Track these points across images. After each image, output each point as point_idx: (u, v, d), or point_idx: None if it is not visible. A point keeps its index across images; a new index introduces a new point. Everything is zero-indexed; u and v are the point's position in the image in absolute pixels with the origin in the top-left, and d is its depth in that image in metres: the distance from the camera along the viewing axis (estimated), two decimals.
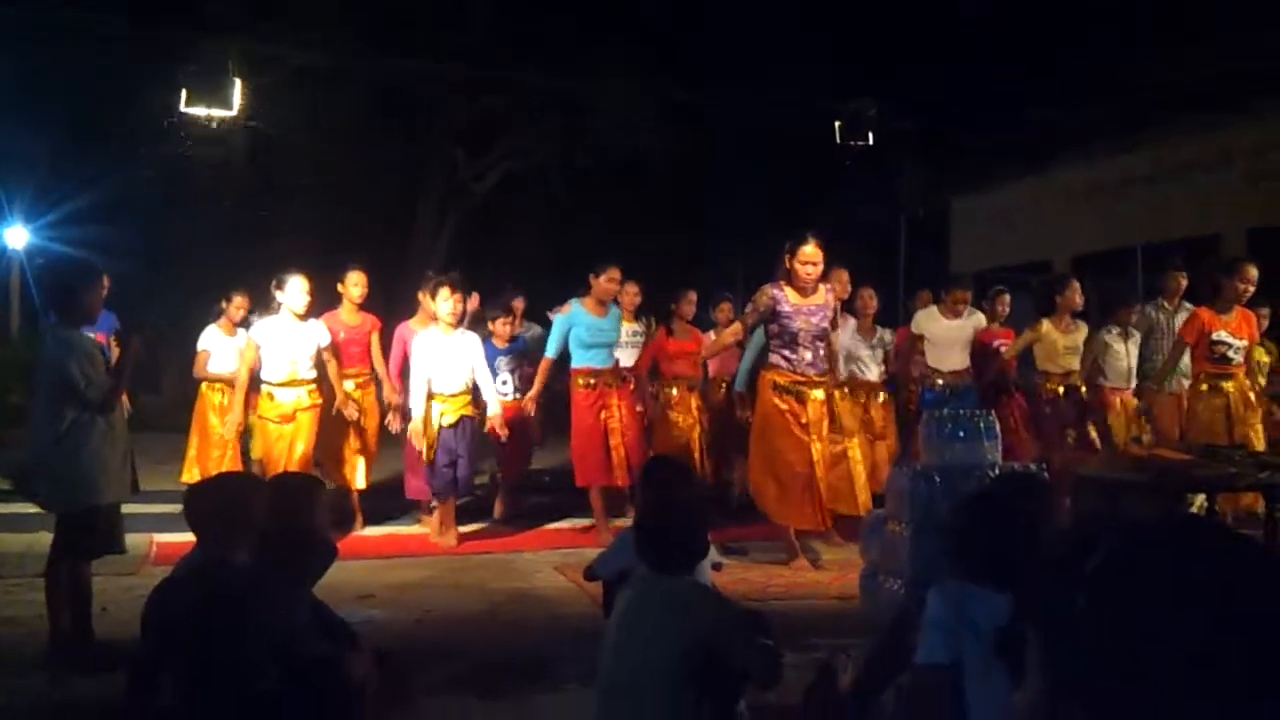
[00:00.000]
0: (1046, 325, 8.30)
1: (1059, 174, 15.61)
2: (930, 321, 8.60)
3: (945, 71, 16.26)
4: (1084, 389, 8.27)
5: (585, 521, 8.17)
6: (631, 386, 8.16)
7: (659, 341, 8.62)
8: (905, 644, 2.80)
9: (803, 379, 6.85)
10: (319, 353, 7.72)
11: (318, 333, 7.73)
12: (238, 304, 8.60)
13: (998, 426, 5.50)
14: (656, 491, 4.22)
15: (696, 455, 8.61)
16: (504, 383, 8.61)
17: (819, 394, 6.91)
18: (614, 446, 7.76)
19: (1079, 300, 8.36)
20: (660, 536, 3.34)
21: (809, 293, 6.89)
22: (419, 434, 7.48)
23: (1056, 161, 15.50)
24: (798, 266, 6.80)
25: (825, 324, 6.93)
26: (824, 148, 13.14)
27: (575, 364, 7.87)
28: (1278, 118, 12.30)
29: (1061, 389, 8.27)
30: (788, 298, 6.85)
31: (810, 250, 6.80)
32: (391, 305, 9.92)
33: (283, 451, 7.45)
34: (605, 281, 7.85)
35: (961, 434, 5.43)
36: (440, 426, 7.53)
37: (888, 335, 8.82)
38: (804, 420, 6.82)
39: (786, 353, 6.85)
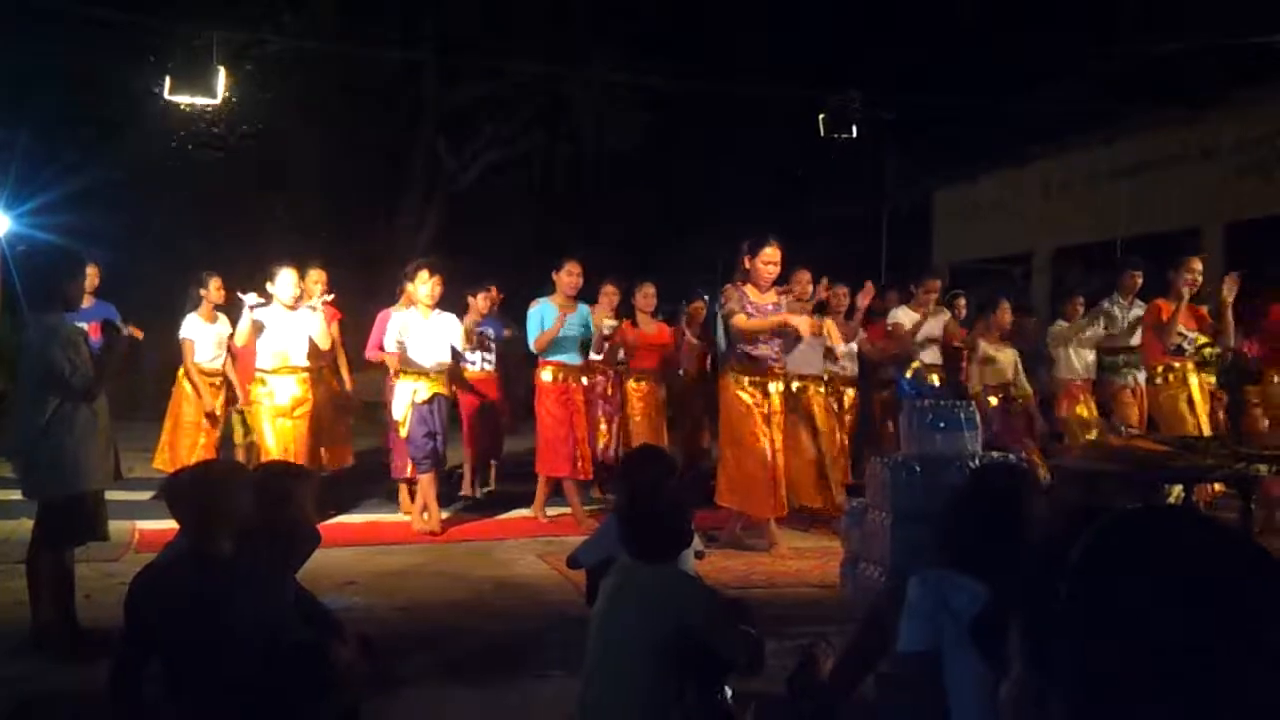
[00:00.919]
0: (981, 340, 8.66)
1: (1040, 166, 15.68)
2: (905, 316, 8.78)
3: (927, 62, 16.29)
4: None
5: (568, 510, 8.19)
6: (599, 380, 8.48)
7: (621, 332, 8.68)
8: (886, 631, 2.81)
9: (763, 373, 6.99)
10: (316, 340, 7.77)
11: (309, 322, 7.73)
12: (215, 285, 8.53)
13: (978, 417, 5.53)
14: (639, 480, 4.22)
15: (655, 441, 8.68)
16: (472, 351, 8.77)
17: (779, 385, 7.08)
18: (579, 440, 7.93)
19: (1008, 319, 8.72)
20: (643, 525, 3.35)
21: (765, 291, 7.04)
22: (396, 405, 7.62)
23: (1037, 153, 15.56)
24: (760, 266, 6.94)
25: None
26: (807, 139, 13.16)
27: (543, 357, 8.01)
28: (1259, 110, 12.37)
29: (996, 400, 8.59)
30: (748, 296, 6.99)
31: (772, 251, 6.95)
32: (373, 296, 9.91)
33: (280, 444, 7.44)
34: (566, 276, 7.99)
35: (942, 424, 5.46)
36: (414, 403, 7.63)
37: (861, 333, 8.92)
38: (765, 411, 6.97)
39: (748, 349, 6.98)
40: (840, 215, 19.17)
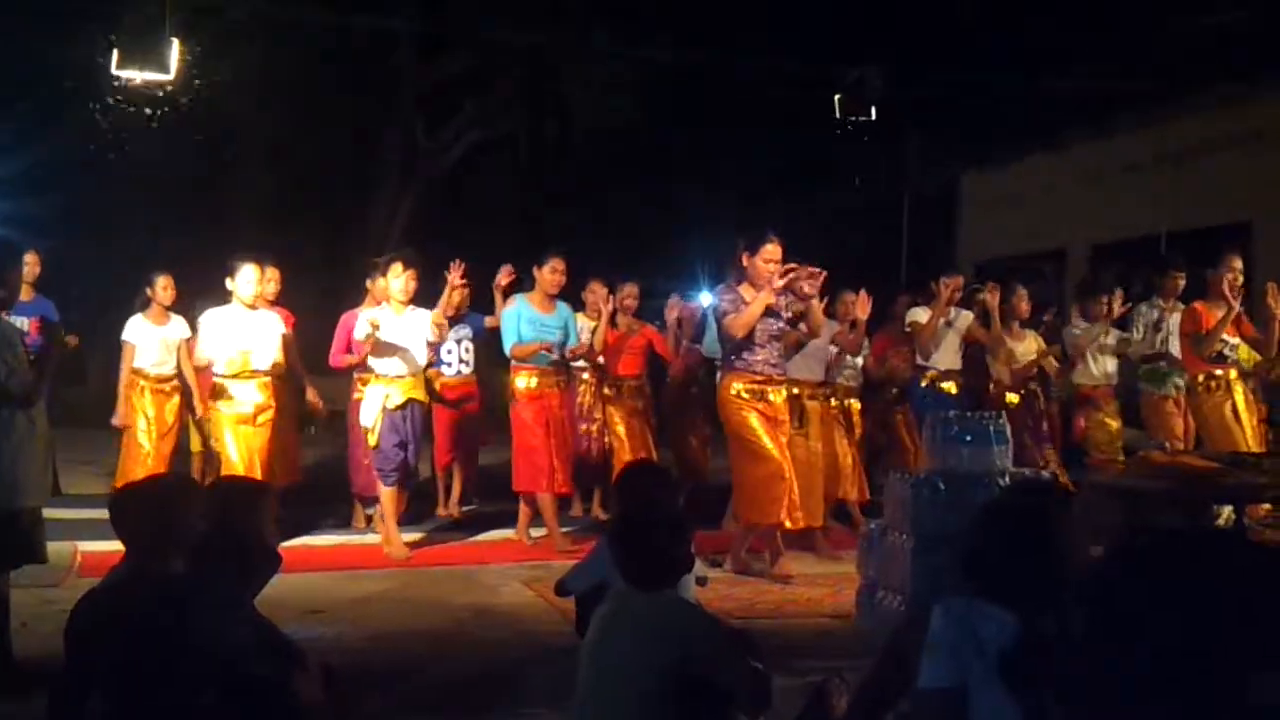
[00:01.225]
0: (1004, 334, 8.77)
1: (1077, 151, 15.66)
2: (924, 317, 8.74)
3: (954, 33, 16.31)
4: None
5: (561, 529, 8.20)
6: (585, 391, 8.67)
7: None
8: (906, 666, 2.82)
9: (763, 378, 7.04)
10: (281, 344, 7.79)
11: (272, 323, 7.75)
12: (162, 285, 8.55)
13: (1008, 430, 5.54)
14: (634, 498, 4.23)
15: (641, 453, 8.79)
16: (448, 352, 8.78)
17: (781, 392, 7.13)
18: (556, 451, 7.97)
19: (1025, 308, 8.82)
20: (639, 548, 3.36)
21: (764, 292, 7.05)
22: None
23: (1075, 136, 15.54)
24: (759, 265, 6.98)
25: (783, 323, 7.13)
26: (819, 119, 13.17)
27: (517, 361, 8.04)
28: None
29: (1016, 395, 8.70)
30: (744, 298, 7.03)
31: (772, 248, 6.98)
32: (344, 290, 9.93)
33: (244, 454, 7.45)
34: (548, 273, 8.04)
35: (969, 438, 5.48)
36: (386, 409, 7.66)
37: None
38: (771, 415, 7.03)
39: (745, 355, 7.02)
40: (854, 205, 19.20)
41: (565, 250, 8.22)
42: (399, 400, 7.70)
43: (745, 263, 7.03)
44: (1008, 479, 5.25)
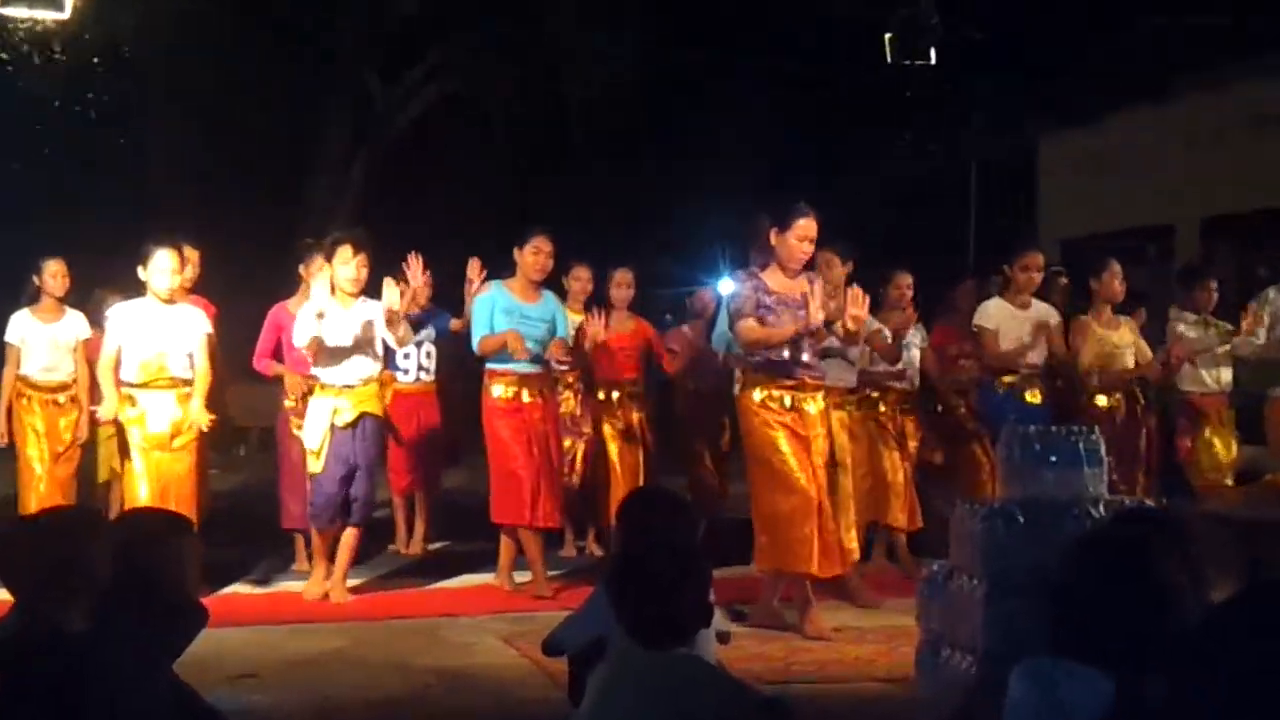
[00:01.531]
0: (1090, 322, 8.79)
1: (1187, 105, 15.62)
2: (999, 312, 8.74)
3: None
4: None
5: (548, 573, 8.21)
6: (570, 398, 8.68)
7: (582, 330, 8.64)
8: None
9: (793, 383, 7.05)
10: (205, 345, 7.80)
11: (192, 320, 7.77)
12: (52, 272, 8.56)
13: (1104, 449, 5.53)
14: (638, 533, 4.23)
15: (634, 479, 8.82)
16: (405, 356, 8.87)
17: (818, 401, 7.15)
18: (542, 475, 7.95)
19: (1119, 288, 8.78)
20: (644, 595, 3.35)
21: (794, 277, 7.12)
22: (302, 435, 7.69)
23: (1184, 87, 15.51)
24: (792, 244, 7.02)
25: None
26: (865, 67, 13.17)
27: (492, 364, 8.05)
28: None
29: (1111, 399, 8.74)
30: (769, 285, 7.06)
31: (806, 224, 7.03)
32: (278, 275, 9.94)
33: (155, 485, 7.45)
34: (530, 254, 8.04)
35: (1054, 458, 5.45)
36: (333, 427, 7.64)
37: (921, 331, 9.00)
38: (803, 433, 7.03)
39: (771, 355, 7.05)
40: (910, 175, 19.22)
41: (552, 228, 8.21)
42: (349, 416, 7.67)
43: (774, 241, 7.05)
44: (1103, 508, 5.23)
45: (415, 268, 8.01)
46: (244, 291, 9.28)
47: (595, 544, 9.40)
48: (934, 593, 5.72)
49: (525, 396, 8.01)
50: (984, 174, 18.44)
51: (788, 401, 7.03)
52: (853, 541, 7.97)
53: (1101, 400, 8.74)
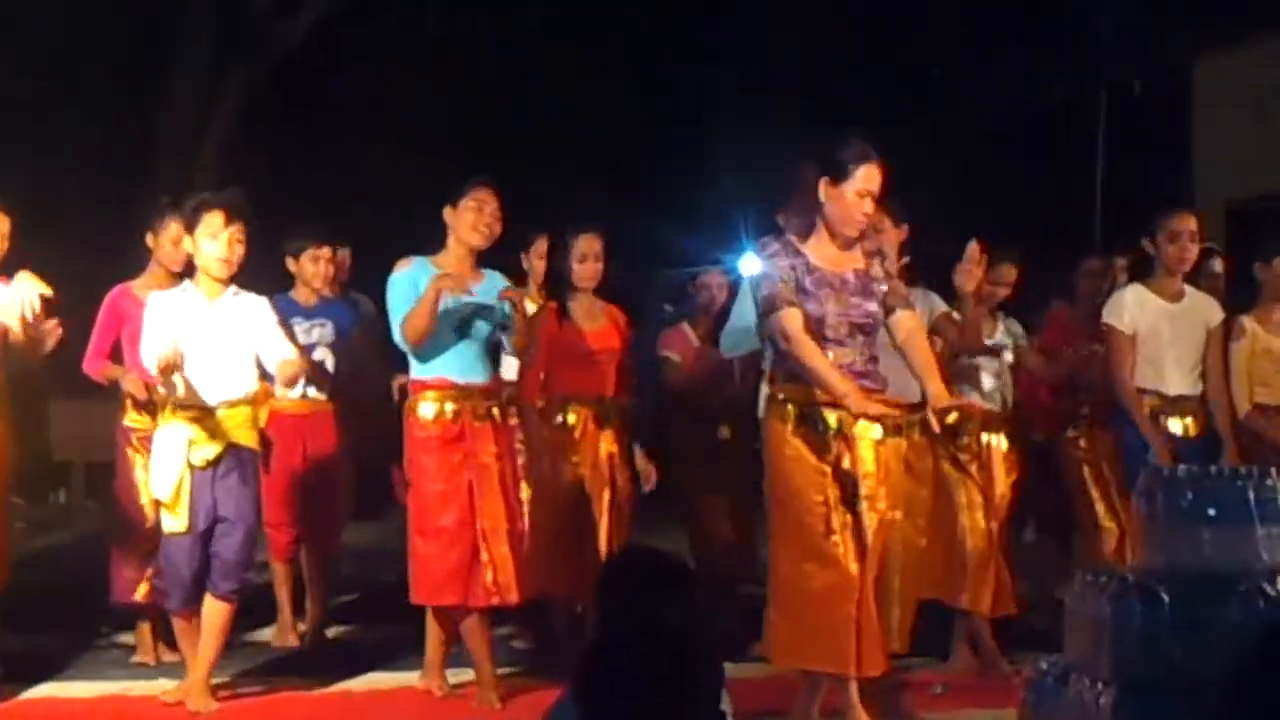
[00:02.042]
0: (1251, 326, 8.78)
1: None
2: (1135, 300, 8.70)
3: None
4: None
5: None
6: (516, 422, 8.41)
7: (545, 329, 8.65)
8: None
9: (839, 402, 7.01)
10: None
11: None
12: None
13: None
14: (620, 613, 4.20)
15: (604, 537, 8.72)
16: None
17: (872, 428, 7.11)
18: (486, 533, 7.85)
19: None
20: (624, 701, 3.33)
21: (848, 247, 7.15)
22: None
23: None
24: (850, 200, 7.02)
25: (874, 305, 7.15)
26: None
27: (418, 373, 7.99)
28: None
29: None
30: (812, 261, 7.07)
31: (871, 171, 7.02)
32: (118, 249, 9.95)
33: None
34: (469, 212, 7.94)
35: (1213, 511, 5.45)
36: (190, 466, 7.62)
37: (1016, 328, 9.03)
38: (843, 471, 7.02)
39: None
40: (1014, 108, 19.25)
41: (498, 181, 8.11)
42: (212, 451, 7.66)
43: (824, 195, 7.04)
44: None
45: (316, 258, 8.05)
46: (72, 271, 9.24)
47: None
48: (1042, 699, 5.72)
49: (462, 416, 7.93)
50: (1118, 108, 18.43)
51: (833, 424, 7.00)
52: (896, 624, 7.97)
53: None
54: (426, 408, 7.93)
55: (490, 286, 7.98)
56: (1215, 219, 13.09)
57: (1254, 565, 5.34)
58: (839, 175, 6.99)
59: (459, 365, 7.93)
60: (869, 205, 7.02)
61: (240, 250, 7.73)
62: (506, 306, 7.88)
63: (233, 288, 7.79)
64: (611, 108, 20.55)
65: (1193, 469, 5.82)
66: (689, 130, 20.16)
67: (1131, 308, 8.63)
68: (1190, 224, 8.66)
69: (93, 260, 9.73)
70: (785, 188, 7.37)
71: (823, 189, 7.03)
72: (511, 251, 8.73)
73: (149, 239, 8.66)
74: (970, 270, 8.23)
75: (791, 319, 6.88)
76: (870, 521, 7.01)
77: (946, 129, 19.45)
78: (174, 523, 7.62)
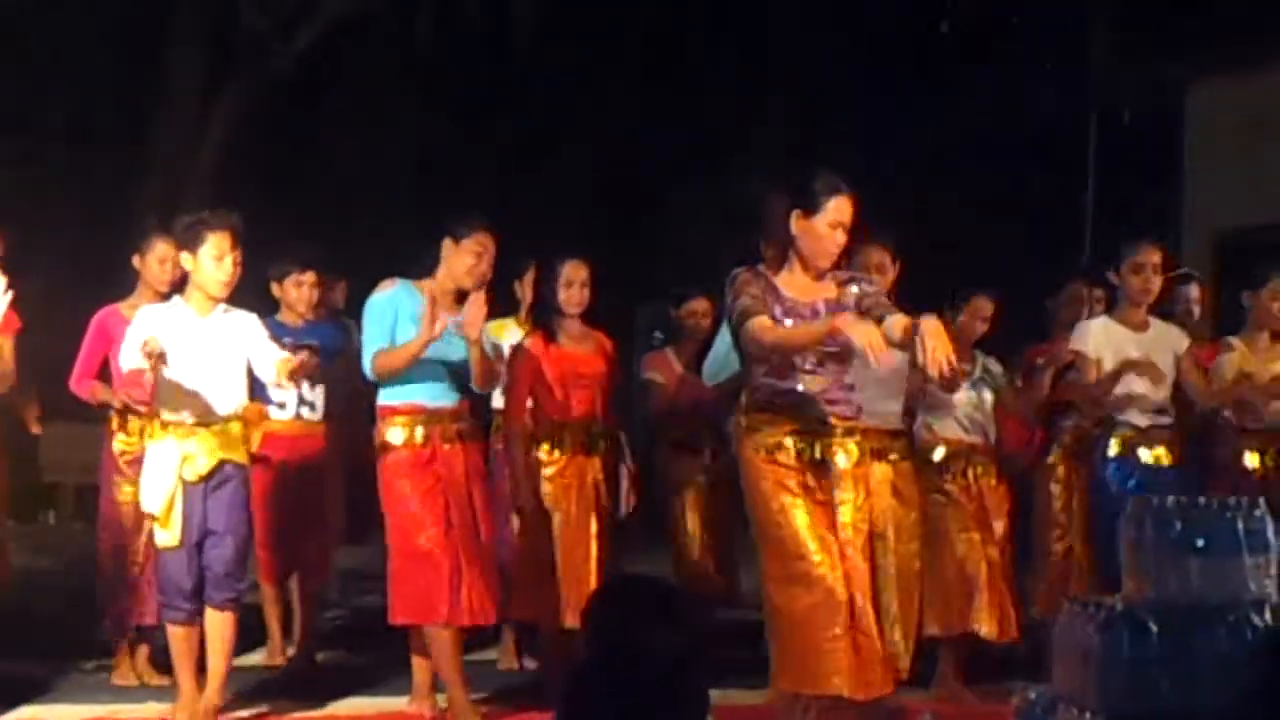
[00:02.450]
0: (1238, 345, 8.88)
1: None
2: (1100, 334, 8.79)
3: None
4: None
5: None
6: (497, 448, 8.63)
7: (530, 353, 8.69)
8: None
9: (817, 428, 7.07)
10: None
11: None
12: None
13: (1272, 527, 5.52)
14: (611, 639, 4.18)
15: (591, 563, 8.72)
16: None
17: (851, 450, 7.28)
18: (461, 554, 7.88)
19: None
20: None
21: (810, 279, 7.15)
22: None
23: None
24: (821, 230, 7.04)
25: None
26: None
27: (386, 398, 8.03)
28: None
29: (1258, 456, 8.83)
30: (784, 290, 7.09)
31: (842, 204, 7.03)
32: (108, 268, 9.95)
33: None
34: (469, 255, 7.99)
35: (1202, 542, 5.45)
36: (183, 481, 7.64)
37: (994, 367, 9.07)
38: (821, 498, 7.05)
39: (783, 385, 7.07)
40: (1004, 131, 19.25)
41: (488, 221, 8.13)
42: (204, 466, 7.67)
43: (796, 229, 7.05)
44: (1271, 615, 5.22)
45: (300, 283, 8.06)
46: (61, 291, 9.25)
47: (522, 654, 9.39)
48: None
49: (434, 440, 7.97)
50: (1108, 135, 18.44)
51: (807, 453, 7.03)
52: (900, 647, 7.99)
53: (1251, 460, 8.81)
54: (397, 431, 7.98)
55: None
56: (1205, 247, 13.13)
57: (1242, 596, 5.32)
58: (811, 207, 7.01)
59: (429, 389, 7.99)
60: (841, 236, 7.04)
61: (238, 273, 7.83)
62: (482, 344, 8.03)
63: (222, 305, 7.83)
64: (603, 128, 20.53)
65: (1181, 500, 5.81)
66: (684, 152, 20.17)
67: (1097, 336, 8.73)
68: (1154, 256, 8.78)
69: (81, 281, 9.72)
70: (762, 220, 7.38)
71: (794, 221, 7.04)
72: (503, 280, 8.72)
73: (136, 260, 8.71)
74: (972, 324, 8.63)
75: (762, 324, 6.86)
76: (849, 538, 7.07)
77: (937, 154, 19.44)
78: (167, 536, 7.66)
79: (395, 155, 19.84)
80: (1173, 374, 8.78)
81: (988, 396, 8.90)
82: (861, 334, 6.61)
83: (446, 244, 8.02)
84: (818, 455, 7.03)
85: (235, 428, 7.81)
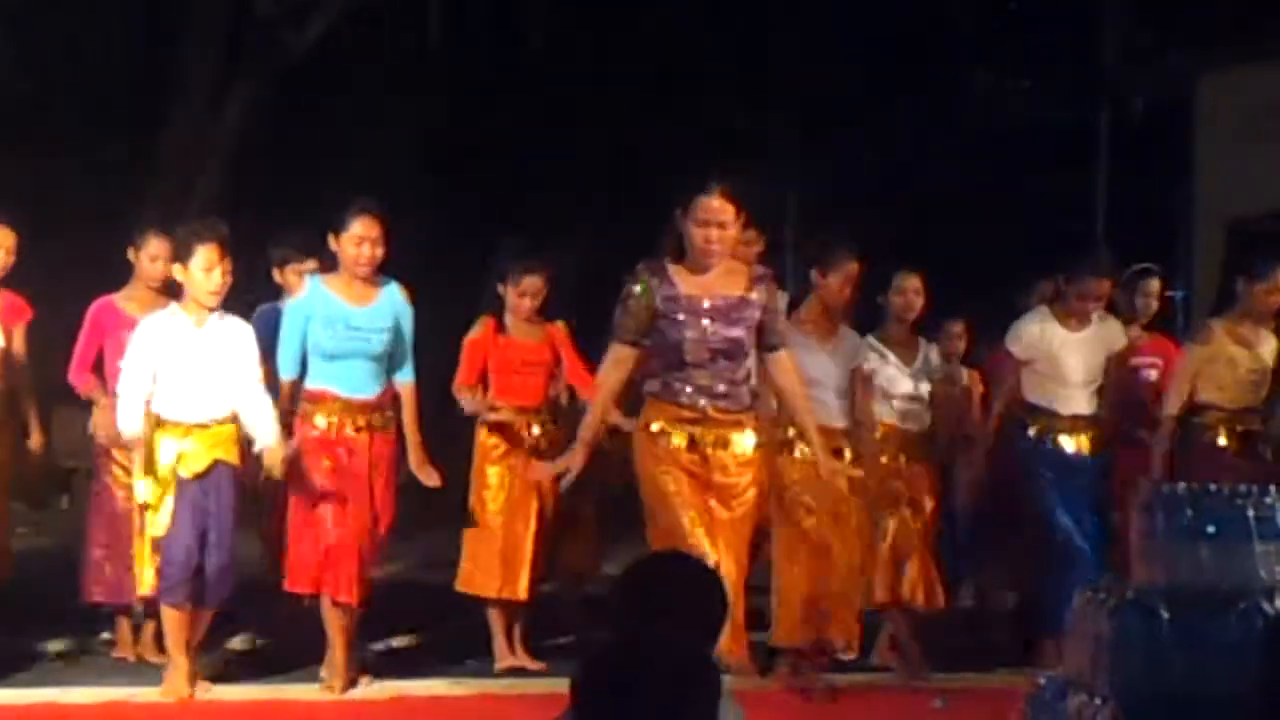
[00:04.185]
0: (1219, 331, 8.92)
1: None
2: (1042, 331, 8.96)
3: None
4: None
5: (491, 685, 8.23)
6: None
7: (481, 339, 8.80)
8: None
9: (698, 417, 7.17)
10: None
11: None
12: None
13: None
14: (641, 618, 4.14)
15: (528, 554, 8.81)
16: None
17: (740, 442, 7.27)
18: (347, 536, 8.05)
19: (1275, 299, 8.92)
20: (627, 711, 3.33)
21: (713, 275, 7.22)
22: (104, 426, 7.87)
23: None
24: (691, 230, 7.14)
25: (739, 331, 7.25)
26: None
27: (309, 381, 8.19)
28: None
29: (1231, 436, 8.89)
30: (677, 283, 7.19)
31: (714, 203, 7.14)
32: (113, 261, 9.95)
33: None
34: (350, 245, 8.12)
35: (1212, 529, 5.45)
36: (180, 478, 7.75)
37: (934, 357, 9.20)
38: (710, 479, 7.17)
39: (672, 377, 7.20)
40: (1012, 126, 19.24)
41: (376, 204, 8.23)
42: (200, 465, 7.82)
43: (681, 228, 7.19)
44: None
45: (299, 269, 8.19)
46: (74, 281, 9.25)
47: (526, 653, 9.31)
48: (1041, 715, 5.70)
49: (343, 428, 8.16)
50: (1120, 127, 18.41)
51: (684, 436, 7.17)
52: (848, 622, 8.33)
53: (1221, 437, 8.93)
54: (312, 413, 8.18)
55: (384, 304, 8.29)
56: (1217, 237, 13.08)
57: (1252, 582, 5.32)
58: (685, 208, 7.15)
59: (344, 379, 8.16)
60: (714, 233, 7.11)
61: (229, 281, 7.95)
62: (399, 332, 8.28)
63: (219, 312, 7.98)
64: (615, 119, 20.49)
65: (1194, 486, 5.81)
66: (692, 144, 20.14)
67: (1032, 336, 9.01)
68: (1101, 288, 8.98)
69: (93, 272, 9.70)
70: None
71: (679, 218, 7.19)
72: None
73: (130, 253, 8.77)
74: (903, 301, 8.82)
75: (615, 352, 7.25)
76: (729, 515, 7.16)
77: (948, 147, 19.41)
78: (158, 526, 7.78)
79: (405, 145, 19.80)
80: (1101, 374, 9.02)
81: (925, 387, 9.02)
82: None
83: (331, 239, 8.19)
84: (698, 446, 7.16)
85: (229, 430, 7.98)
